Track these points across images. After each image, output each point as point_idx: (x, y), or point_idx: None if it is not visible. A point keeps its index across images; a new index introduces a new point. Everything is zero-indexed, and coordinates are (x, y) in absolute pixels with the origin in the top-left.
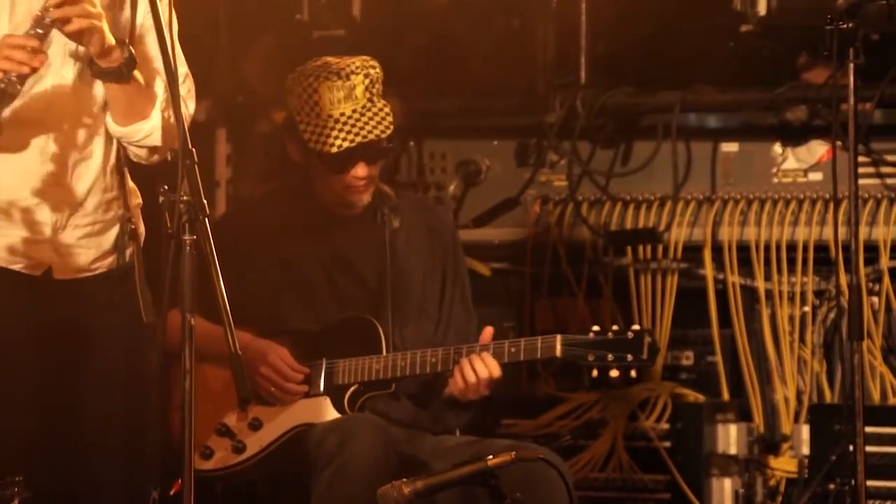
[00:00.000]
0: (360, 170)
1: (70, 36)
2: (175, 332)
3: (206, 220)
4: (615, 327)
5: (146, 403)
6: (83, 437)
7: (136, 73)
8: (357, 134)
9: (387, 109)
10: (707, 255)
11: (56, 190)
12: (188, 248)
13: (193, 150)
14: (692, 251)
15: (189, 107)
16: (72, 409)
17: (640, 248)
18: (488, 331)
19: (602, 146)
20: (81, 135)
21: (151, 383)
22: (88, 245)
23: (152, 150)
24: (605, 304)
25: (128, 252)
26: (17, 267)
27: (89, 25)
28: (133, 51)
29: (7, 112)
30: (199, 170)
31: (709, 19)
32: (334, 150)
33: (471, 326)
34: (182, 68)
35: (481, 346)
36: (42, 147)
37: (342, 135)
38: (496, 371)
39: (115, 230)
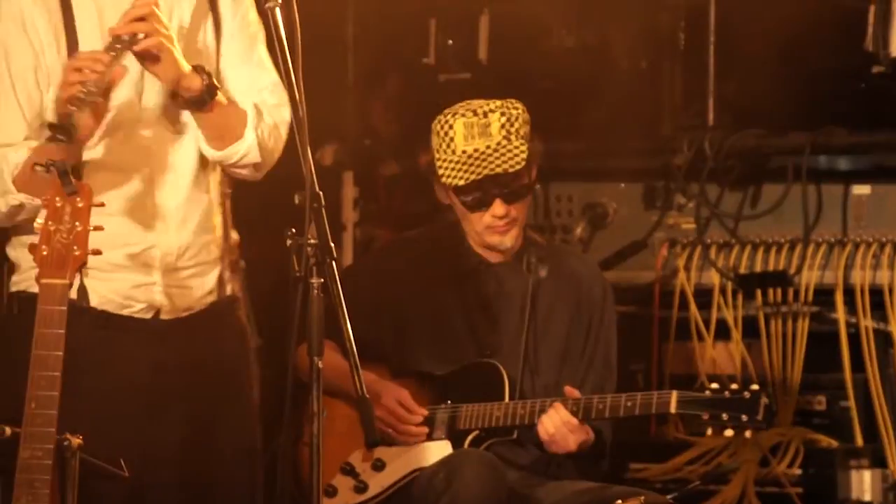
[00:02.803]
0: (498, 208)
1: (141, 59)
2: (305, 367)
3: (334, 262)
4: (734, 386)
5: (254, 430)
6: (217, 473)
7: (221, 96)
8: (485, 168)
9: (522, 148)
10: (839, 298)
11: (164, 237)
12: (315, 290)
13: (321, 193)
14: (823, 294)
15: (283, 113)
16: (202, 445)
17: (771, 291)
18: (570, 389)
19: (730, 188)
20: (187, 181)
21: (255, 407)
22: (192, 285)
23: (255, 167)
24: (735, 348)
25: (228, 287)
26: (128, 312)
27: (157, 44)
28: (212, 76)
29: (110, 157)
30: (326, 213)
31: (839, 60)
32: (461, 182)
33: (608, 384)
34: (271, 76)
35: (599, 398)
36: (152, 193)
37: (472, 168)
38: (572, 422)
39: (216, 271)
